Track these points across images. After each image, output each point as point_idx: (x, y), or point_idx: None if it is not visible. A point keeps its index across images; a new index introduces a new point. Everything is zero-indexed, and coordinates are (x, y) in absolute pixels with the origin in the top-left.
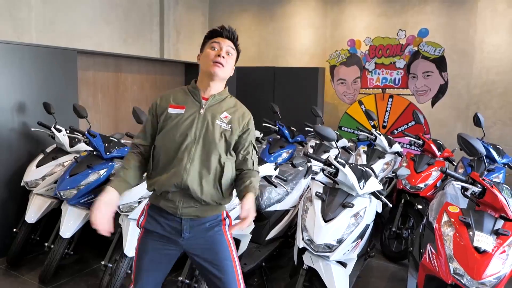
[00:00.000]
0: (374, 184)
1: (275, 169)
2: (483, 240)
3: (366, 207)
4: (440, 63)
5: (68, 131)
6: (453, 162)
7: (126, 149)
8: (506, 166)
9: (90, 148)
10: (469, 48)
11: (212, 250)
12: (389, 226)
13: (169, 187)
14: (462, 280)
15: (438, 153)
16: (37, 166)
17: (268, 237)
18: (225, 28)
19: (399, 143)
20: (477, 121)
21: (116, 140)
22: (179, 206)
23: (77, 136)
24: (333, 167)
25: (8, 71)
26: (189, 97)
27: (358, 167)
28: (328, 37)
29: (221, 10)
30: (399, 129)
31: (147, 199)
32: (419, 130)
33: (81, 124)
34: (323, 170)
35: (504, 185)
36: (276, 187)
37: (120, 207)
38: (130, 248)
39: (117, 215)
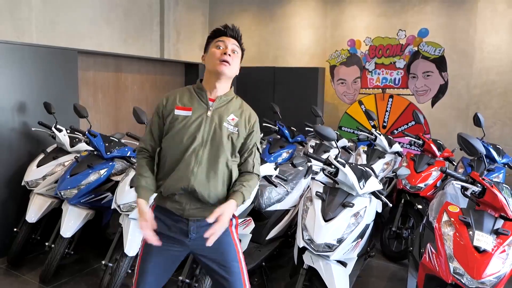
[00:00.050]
0: (374, 184)
1: (275, 169)
2: (483, 239)
3: (366, 207)
4: (440, 63)
5: (68, 131)
6: (453, 162)
7: (126, 149)
8: (506, 166)
9: (90, 148)
10: (469, 48)
11: (219, 251)
12: (389, 226)
13: (176, 189)
14: (462, 280)
15: (438, 153)
16: (38, 166)
17: (268, 237)
18: (229, 27)
19: (399, 143)
20: (477, 121)
21: (117, 140)
22: (185, 207)
23: (77, 136)
24: (333, 166)
25: (9, 71)
26: (196, 99)
27: (358, 167)
28: (328, 37)
29: (221, 10)
30: (399, 129)
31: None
32: (419, 130)
33: (81, 124)
34: (323, 169)
35: (504, 185)
36: (276, 186)
37: (121, 206)
38: (130, 247)
39: (117, 215)
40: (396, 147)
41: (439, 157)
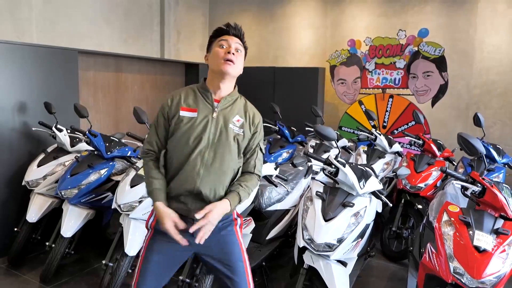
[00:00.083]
0: (374, 184)
1: (275, 168)
2: (483, 239)
3: (366, 207)
4: (440, 63)
5: (69, 131)
6: (453, 162)
7: (127, 149)
8: (506, 166)
9: (91, 148)
10: (469, 48)
11: (225, 251)
12: (389, 226)
13: (181, 191)
14: (462, 279)
15: (438, 153)
16: (38, 166)
17: (268, 237)
18: (231, 25)
19: (399, 143)
20: (477, 121)
21: (117, 140)
22: (191, 208)
23: (78, 135)
24: (333, 166)
25: (9, 71)
26: (201, 99)
27: (358, 166)
28: (328, 37)
29: (222, 10)
30: (399, 129)
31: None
32: (419, 130)
33: (82, 124)
34: (323, 169)
35: (504, 185)
36: (276, 186)
37: (121, 206)
38: (131, 247)
39: (118, 215)
40: (396, 147)
41: (439, 157)
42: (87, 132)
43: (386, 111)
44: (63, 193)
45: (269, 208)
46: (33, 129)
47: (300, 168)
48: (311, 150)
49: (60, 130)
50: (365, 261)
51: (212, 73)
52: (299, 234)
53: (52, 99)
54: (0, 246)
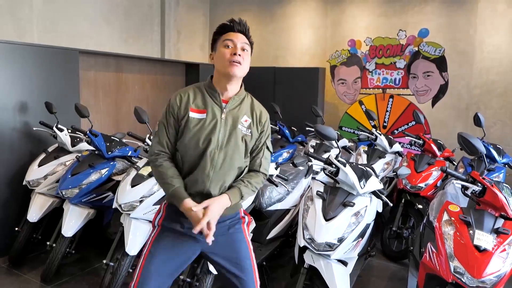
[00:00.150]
0: (374, 183)
1: (276, 168)
2: (483, 238)
3: (367, 206)
4: (441, 63)
5: (70, 131)
6: (454, 162)
7: (127, 149)
8: (506, 166)
9: (91, 148)
10: (469, 48)
11: (232, 248)
12: (390, 226)
13: (191, 192)
14: (462, 279)
15: (438, 153)
16: (39, 165)
17: (269, 236)
18: (235, 21)
19: (400, 143)
20: (477, 121)
21: (118, 140)
22: None
23: (79, 135)
24: (333, 166)
25: (10, 71)
26: (209, 100)
27: (359, 166)
28: (328, 37)
29: (222, 10)
30: (400, 129)
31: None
32: (419, 130)
33: (82, 124)
34: (324, 169)
35: (504, 184)
36: (277, 186)
37: (122, 206)
38: (131, 247)
39: (118, 214)
40: (397, 147)
41: (440, 157)
42: (88, 132)
43: (387, 111)
44: (64, 193)
45: (270, 208)
46: (34, 129)
47: (301, 168)
48: (311, 150)
49: (61, 130)
50: (365, 261)
51: (218, 74)
52: (300, 234)
53: (53, 99)
54: (1, 246)
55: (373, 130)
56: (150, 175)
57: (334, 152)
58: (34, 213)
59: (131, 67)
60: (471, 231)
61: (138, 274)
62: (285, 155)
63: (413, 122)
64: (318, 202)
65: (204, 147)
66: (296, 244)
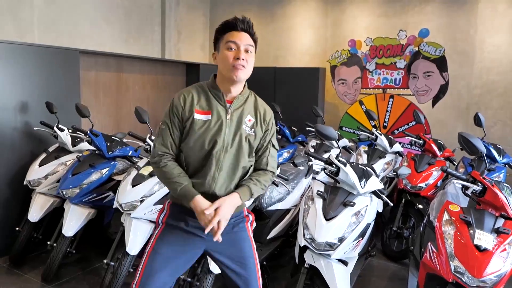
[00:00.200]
0: (375, 183)
1: (276, 168)
2: (483, 238)
3: (367, 206)
4: (441, 63)
5: (70, 131)
6: (454, 162)
7: (128, 149)
8: (506, 166)
9: (92, 148)
10: (470, 48)
11: (236, 247)
12: (390, 226)
13: None
14: (462, 278)
15: (438, 153)
16: (40, 165)
17: (269, 236)
18: (239, 19)
19: (400, 143)
20: (477, 121)
21: (118, 140)
22: None
23: (79, 135)
24: (334, 166)
25: (11, 71)
26: (214, 101)
27: (359, 166)
28: (328, 37)
29: (222, 10)
30: (400, 129)
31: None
32: (419, 130)
33: (83, 124)
34: (324, 169)
35: (504, 184)
36: (277, 186)
37: (123, 205)
38: (132, 246)
39: (119, 214)
40: (397, 147)
41: (440, 156)
42: (88, 131)
43: (387, 111)
44: (64, 193)
45: (270, 208)
46: (35, 128)
47: (301, 167)
48: (312, 150)
49: (62, 130)
50: (366, 261)
51: (221, 76)
52: (300, 233)
53: (54, 99)
54: (2, 245)
55: (374, 130)
56: (150, 175)
57: (334, 152)
58: (35, 213)
59: (132, 67)
60: (471, 231)
61: (141, 272)
62: (286, 155)
63: (414, 122)
64: (319, 202)
65: (210, 149)
66: (296, 243)
